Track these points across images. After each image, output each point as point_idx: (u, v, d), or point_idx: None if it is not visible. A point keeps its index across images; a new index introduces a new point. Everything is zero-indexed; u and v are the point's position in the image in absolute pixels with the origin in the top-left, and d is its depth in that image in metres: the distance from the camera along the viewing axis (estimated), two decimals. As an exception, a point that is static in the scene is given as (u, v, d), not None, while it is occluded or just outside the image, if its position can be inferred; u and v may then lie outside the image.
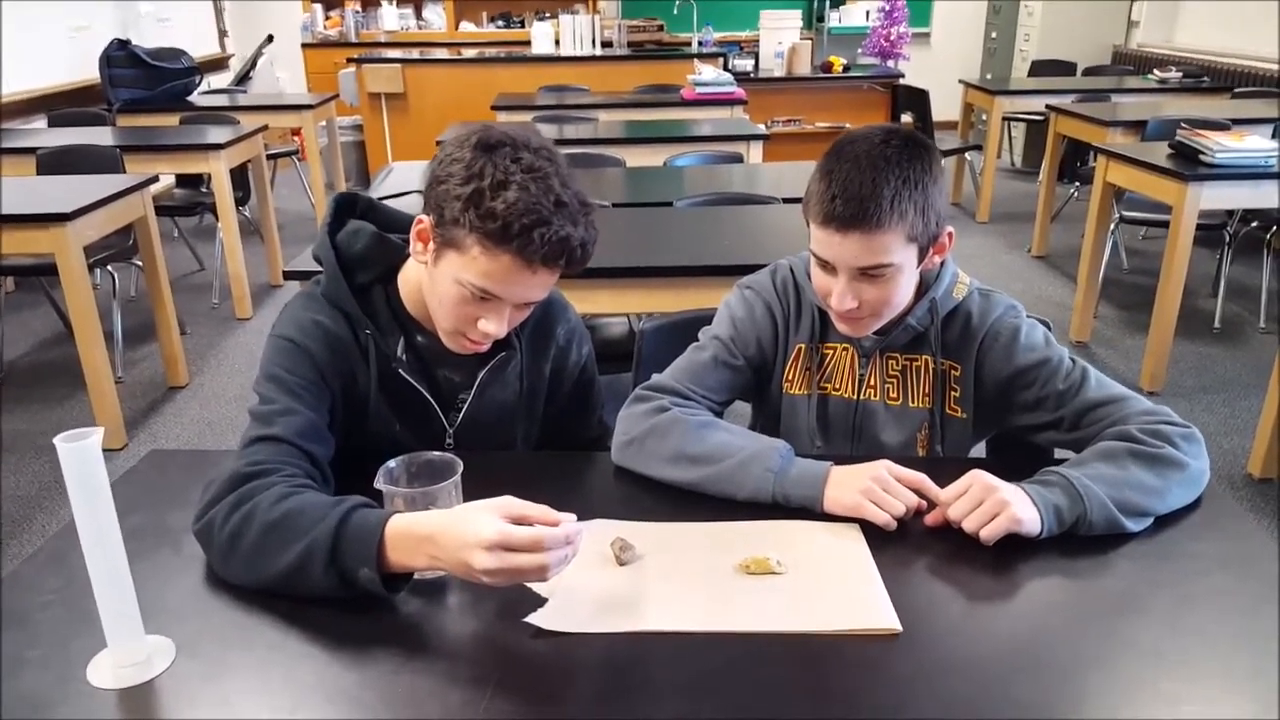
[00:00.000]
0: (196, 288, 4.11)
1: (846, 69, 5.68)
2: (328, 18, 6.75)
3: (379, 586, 0.84)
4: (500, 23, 7.02)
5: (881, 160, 1.02)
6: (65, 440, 0.71)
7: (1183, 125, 3.00)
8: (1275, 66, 4.73)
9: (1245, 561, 0.94)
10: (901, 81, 5.53)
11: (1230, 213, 3.49)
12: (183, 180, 4.29)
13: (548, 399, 1.24)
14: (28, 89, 4.23)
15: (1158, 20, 5.93)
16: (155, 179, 3.00)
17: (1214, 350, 3.31)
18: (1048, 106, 4.41)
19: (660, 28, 6.29)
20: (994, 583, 0.91)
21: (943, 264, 1.16)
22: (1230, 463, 2.53)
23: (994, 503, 0.94)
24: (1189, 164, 2.84)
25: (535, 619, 0.84)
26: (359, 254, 1.10)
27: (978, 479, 0.96)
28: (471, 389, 1.14)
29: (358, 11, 6.71)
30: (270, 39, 5.79)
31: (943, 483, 0.99)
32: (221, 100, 4.98)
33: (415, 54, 5.96)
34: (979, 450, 1.29)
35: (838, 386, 1.22)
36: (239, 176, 3.95)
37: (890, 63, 5.79)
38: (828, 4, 6.87)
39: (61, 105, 4.33)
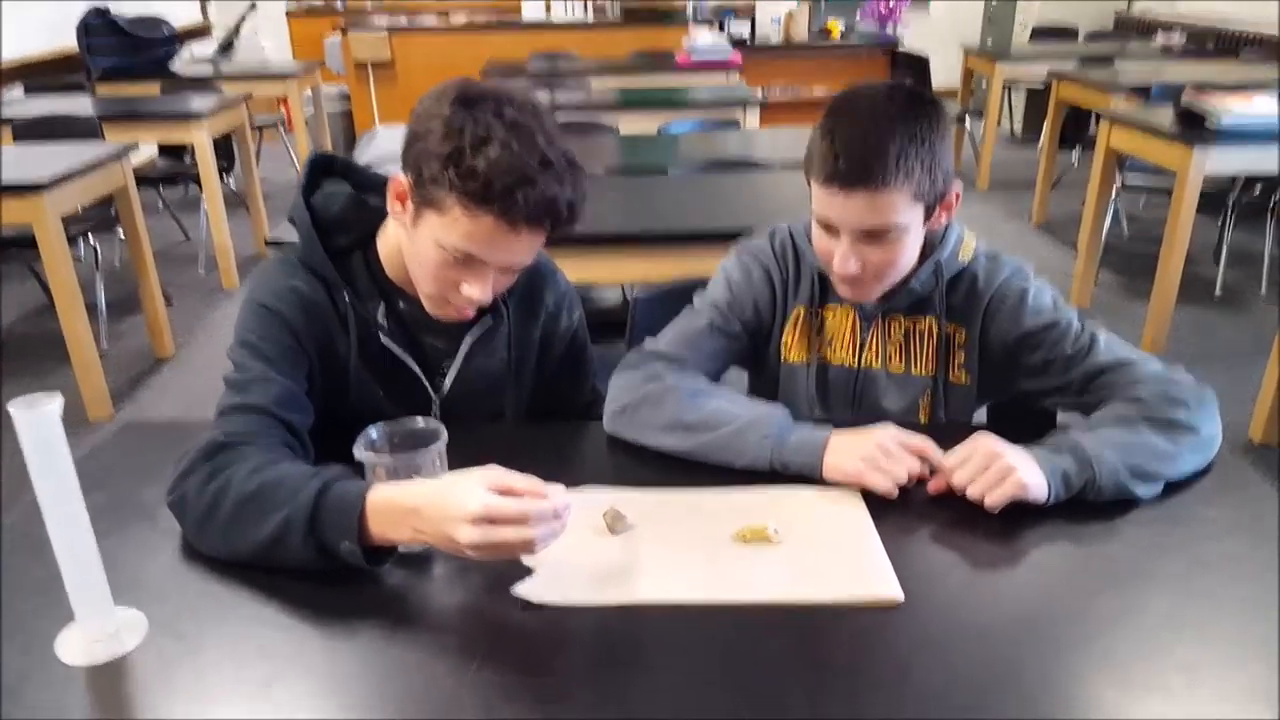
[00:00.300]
0: (182, 259, 4.06)
1: (845, 35, 5.58)
2: (313, -16, 6.62)
3: (361, 560, 0.81)
4: (490, -12, 6.87)
5: (886, 117, 0.98)
6: (20, 407, 0.67)
7: (1190, 89, 2.94)
8: (1277, 31, 4.64)
9: (1257, 526, 0.91)
10: (901, 49, 5.43)
11: (1234, 179, 3.45)
12: (166, 151, 4.20)
13: (538, 366, 1.20)
14: (4, 59, 4.12)
15: (1160, -16, 5.83)
16: (135, 147, 2.94)
17: (1215, 316, 3.30)
18: (1050, 72, 4.34)
19: (654, -7, 6.17)
20: (999, 550, 0.89)
21: (948, 225, 1.12)
22: (1231, 428, 2.49)
23: (999, 468, 0.91)
24: (1194, 128, 2.79)
25: (523, 591, 0.80)
26: (335, 216, 1.06)
27: (982, 443, 0.93)
28: (456, 357, 1.11)
29: (344, -23, 6.57)
30: (254, 6, 5.65)
31: (946, 448, 0.96)
32: (204, 69, 4.86)
33: (403, 21, 5.83)
34: (980, 416, 1.26)
35: (837, 352, 1.19)
36: (224, 147, 3.87)
37: (888, 28, 5.68)
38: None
39: (39, 75, 4.23)
